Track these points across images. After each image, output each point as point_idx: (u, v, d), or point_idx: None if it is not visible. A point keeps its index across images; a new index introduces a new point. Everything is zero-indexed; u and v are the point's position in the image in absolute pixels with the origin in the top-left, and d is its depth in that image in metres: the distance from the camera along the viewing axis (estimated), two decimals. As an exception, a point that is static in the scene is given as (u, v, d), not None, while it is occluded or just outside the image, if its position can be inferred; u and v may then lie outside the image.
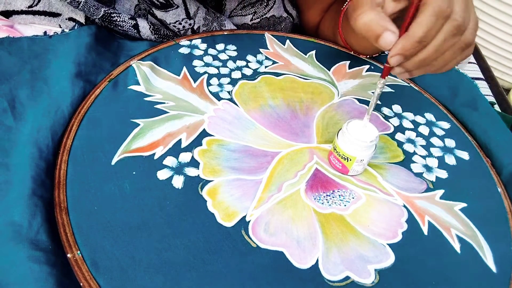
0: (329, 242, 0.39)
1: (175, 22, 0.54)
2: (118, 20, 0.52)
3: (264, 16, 0.61)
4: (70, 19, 0.53)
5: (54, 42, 0.50)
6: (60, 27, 0.53)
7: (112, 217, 0.37)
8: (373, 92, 0.45)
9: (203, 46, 0.56)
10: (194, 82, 0.51)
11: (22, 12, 0.52)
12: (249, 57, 0.56)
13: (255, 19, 0.60)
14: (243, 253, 0.37)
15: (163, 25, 0.55)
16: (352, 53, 0.60)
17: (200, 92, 0.50)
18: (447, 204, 0.44)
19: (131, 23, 0.52)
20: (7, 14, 0.52)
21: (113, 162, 0.41)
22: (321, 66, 0.58)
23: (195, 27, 0.55)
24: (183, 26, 0.55)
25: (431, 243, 0.41)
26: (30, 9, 0.51)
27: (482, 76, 0.73)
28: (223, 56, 0.56)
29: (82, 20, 0.53)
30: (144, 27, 0.53)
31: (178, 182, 0.41)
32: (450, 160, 0.49)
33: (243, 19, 0.61)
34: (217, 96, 0.50)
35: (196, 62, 0.54)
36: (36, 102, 0.44)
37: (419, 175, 0.47)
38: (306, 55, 0.59)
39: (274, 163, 0.44)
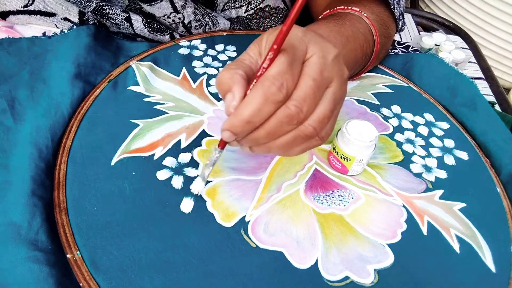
0: (328, 242, 0.39)
1: (163, 16, 0.54)
2: (110, 12, 0.52)
3: (258, 7, 0.60)
4: (65, 19, 0.53)
5: (54, 43, 0.50)
6: (57, 27, 0.53)
7: (111, 218, 0.37)
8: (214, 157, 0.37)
9: (203, 46, 0.56)
10: (194, 82, 0.51)
11: (18, 12, 0.52)
12: (249, 58, 0.56)
13: (249, 10, 0.60)
14: (243, 253, 0.37)
15: (154, 19, 0.55)
16: None
17: (200, 93, 0.50)
18: (447, 204, 0.44)
19: (124, 16, 0.52)
20: (4, 15, 0.53)
21: (112, 163, 0.41)
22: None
23: (186, 22, 0.55)
24: (173, 20, 0.55)
25: (431, 243, 0.41)
26: (25, 8, 0.52)
27: (482, 76, 0.73)
28: (222, 57, 0.56)
29: (76, 20, 0.53)
30: (137, 20, 0.53)
31: (177, 182, 0.41)
32: (449, 160, 0.49)
33: (237, 12, 0.60)
34: (216, 96, 0.50)
35: (195, 63, 0.54)
36: (35, 103, 0.44)
37: (419, 175, 0.47)
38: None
39: (273, 163, 0.44)
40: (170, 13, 0.54)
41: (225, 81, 0.32)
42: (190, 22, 0.56)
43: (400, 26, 0.58)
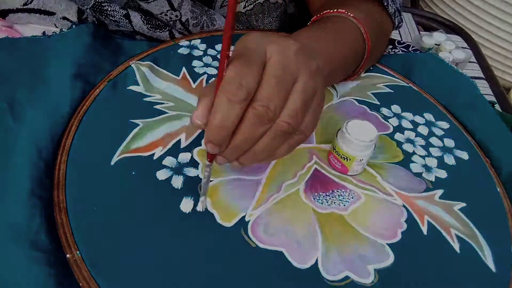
0: (328, 242, 0.39)
1: (160, 14, 0.54)
2: (109, 9, 0.52)
3: (257, 2, 0.60)
4: (64, 18, 0.53)
5: (53, 43, 0.50)
6: (56, 27, 0.53)
7: (111, 217, 0.37)
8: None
9: (203, 46, 0.56)
10: (194, 82, 0.51)
11: (17, 11, 0.52)
12: (249, 57, 0.56)
13: (248, 5, 0.60)
14: (243, 253, 0.37)
15: (153, 16, 0.55)
16: None
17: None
18: (447, 204, 0.44)
19: (122, 13, 0.52)
20: (3, 13, 0.52)
21: (112, 163, 0.41)
22: (320, 66, 0.58)
23: (183, 20, 0.55)
24: (170, 18, 0.55)
25: (431, 243, 0.41)
26: (25, 7, 0.52)
27: (482, 76, 0.73)
28: (222, 57, 0.56)
29: (75, 19, 0.53)
30: (136, 16, 0.53)
31: (177, 182, 0.41)
32: (449, 160, 0.49)
33: (236, 8, 0.60)
34: (216, 96, 0.50)
35: (195, 63, 0.54)
36: (35, 103, 0.44)
37: (419, 175, 0.47)
38: (305, 55, 0.59)
39: (273, 163, 0.44)
40: (167, 11, 0.54)
41: (200, 97, 0.33)
42: (187, 20, 0.56)
43: (396, 23, 0.58)
